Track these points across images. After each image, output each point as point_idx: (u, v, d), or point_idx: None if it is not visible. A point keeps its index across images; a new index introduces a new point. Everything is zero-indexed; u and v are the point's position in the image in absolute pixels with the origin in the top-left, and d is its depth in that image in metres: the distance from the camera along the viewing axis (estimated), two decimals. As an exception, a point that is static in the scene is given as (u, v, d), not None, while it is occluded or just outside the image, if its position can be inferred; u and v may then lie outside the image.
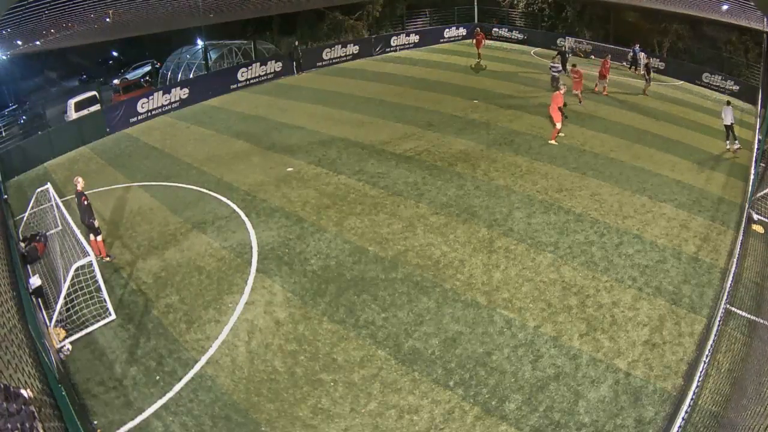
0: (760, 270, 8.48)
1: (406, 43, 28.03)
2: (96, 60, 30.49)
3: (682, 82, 22.16)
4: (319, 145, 14.01)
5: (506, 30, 30.07)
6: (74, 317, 7.48)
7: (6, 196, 11.96)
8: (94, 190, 12.30)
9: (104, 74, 28.44)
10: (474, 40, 24.41)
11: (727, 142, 13.90)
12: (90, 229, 8.95)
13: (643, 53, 22.89)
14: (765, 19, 16.09)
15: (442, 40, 29.58)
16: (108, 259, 9.17)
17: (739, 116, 17.72)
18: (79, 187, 8.87)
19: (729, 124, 13.71)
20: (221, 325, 7.38)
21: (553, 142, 13.53)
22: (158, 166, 13.48)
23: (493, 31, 30.34)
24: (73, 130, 16.07)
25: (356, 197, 10.95)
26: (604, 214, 9.97)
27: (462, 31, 30.39)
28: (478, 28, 26.50)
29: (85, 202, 8.81)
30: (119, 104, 18.02)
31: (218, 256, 9.12)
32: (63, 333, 7.19)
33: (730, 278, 7.56)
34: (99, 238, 9.08)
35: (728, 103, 14.23)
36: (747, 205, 10.08)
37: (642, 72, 20.02)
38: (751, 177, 11.38)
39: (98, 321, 7.50)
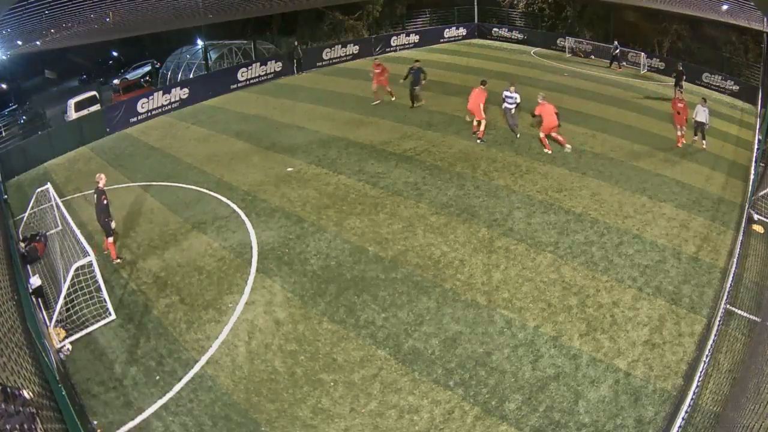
0: (760, 270, 8.48)
1: (406, 43, 28.05)
2: (96, 60, 30.48)
3: (682, 82, 22.15)
4: (319, 145, 14.01)
5: (506, 30, 30.09)
6: (74, 317, 7.48)
7: (6, 196, 11.96)
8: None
9: (104, 74, 28.45)
10: (372, 73, 17.34)
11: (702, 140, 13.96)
12: (105, 228, 8.84)
13: (619, 49, 23.45)
14: (765, 19, 16.08)
15: (442, 40, 29.60)
16: (118, 261, 9.09)
17: (739, 116, 17.80)
18: (101, 185, 8.73)
19: (702, 121, 13.75)
20: (221, 325, 7.38)
21: (568, 146, 12.97)
22: (158, 166, 13.48)
23: (493, 31, 30.37)
24: (73, 130, 16.06)
25: (356, 197, 10.95)
26: (604, 214, 9.97)
27: (462, 31, 30.41)
28: (376, 59, 20.01)
29: (105, 201, 8.66)
30: (119, 104, 18.03)
31: (218, 256, 9.12)
32: (63, 333, 7.19)
33: (730, 278, 7.55)
34: (110, 239, 8.98)
35: (704, 100, 14.27)
36: (747, 205, 10.08)
37: (675, 80, 19.15)
38: (751, 177, 11.38)
39: (98, 321, 7.50)
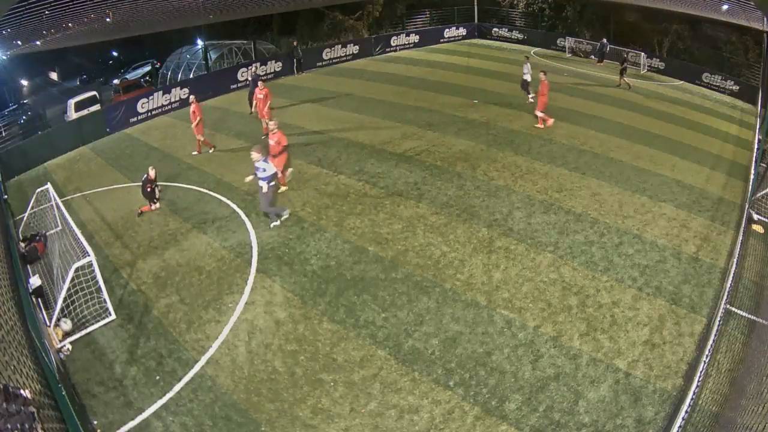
0: (760, 270, 8.48)
1: (406, 43, 28.06)
2: (96, 60, 30.54)
3: (682, 82, 22.19)
4: (319, 145, 14.01)
5: (506, 30, 30.10)
6: (74, 317, 7.48)
7: (6, 196, 11.96)
8: (94, 190, 12.32)
9: (104, 74, 28.50)
10: (255, 99, 14.55)
11: (530, 95, 16.66)
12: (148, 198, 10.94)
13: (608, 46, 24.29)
14: (765, 19, 16.09)
15: (442, 40, 29.61)
16: (140, 213, 10.82)
17: (739, 116, 17.82)
18: (152, 175, 10.86)
19: (528, 80, 16.75)
20: (221, 325, 7.38)
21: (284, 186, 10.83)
22: (158, 166, 13.41)
23: (493, 31, 30.38)
24: (73, 130, 16.08)
25: (356, 197, 10.95)
26: (604, 214, 9.97)
27: (462, 31, 30.42)
28: (260, 83, 14.73)
29: (149, 189, 10.80)
30: (119, 104, 18.03)
31: (218, 256, 9.12)
32: (63, 333, 7.19)
33: (730, 278, 7.56)
34: (148, 206, 10.90)
35: (527, 58, 17.72)
36: (747, 205, 10.08)
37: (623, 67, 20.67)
38: (751, 177, 11.40)
39: (98, 321, 7.50)
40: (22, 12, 9.39)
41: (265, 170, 9.22)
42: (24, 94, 25.02)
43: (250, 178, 9.64)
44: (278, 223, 9.82)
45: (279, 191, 10.50)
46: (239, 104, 18.98)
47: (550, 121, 14.69)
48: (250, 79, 17.32)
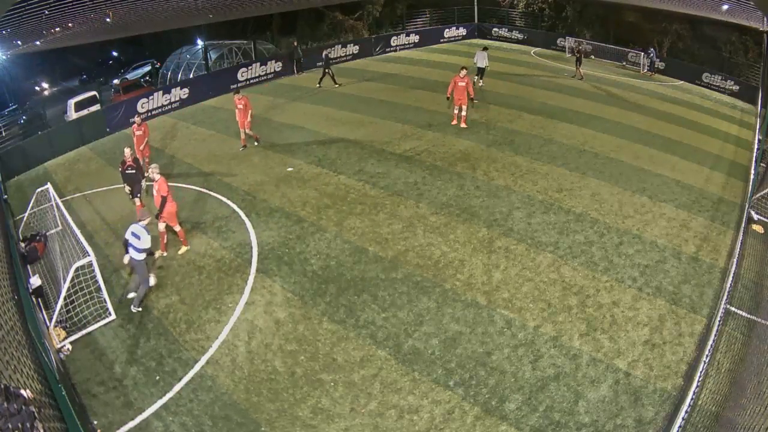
0: (760, 270, 8.48)
1: (406, 43, 28.04)
2: (96, 60, 30.52)
3: (682, 82, 22.20)
4: (319, 145, 14.01)
5: (506, 30, 30.10)
6: (74, 317, 7.48)
7: (6, 196, 11.96)
8: (94, 190, 12.31)
9: (104, 74, 28.47)
10: (237, 111, 13.58)
11: (480, 80, 18.81)
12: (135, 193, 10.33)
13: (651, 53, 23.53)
14: (765, 19, 16.10)
15: (442, 40, 29.60)
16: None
17: (739, 116, 17.82)
18: (126, 154, 10.15)
19: (483, 66, 18.58)
20: (221, 325, 7.38)
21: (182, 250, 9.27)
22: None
23: (493, 31, 30.38)
24: (73, 130, 16.06)
25: (356, 197, 10.95)
26: (604, 214, 9.97)
27: (462, 31, 30.41)
28: (235, 96, 13.89)
29: (132, 170, 10.20)
30: (119, 104, 18.02)
31: (218, 256, 9.12)
32: (63, 333, 7.19)
33: (730, 278, 7.56)
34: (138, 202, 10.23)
35: (484, 48, 18.94)
36: (747, 205, 10.09)
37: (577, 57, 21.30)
38: (751, 177, 11.40)
39: (98, 321, 7.50)
40: (22, 12, 9.38)
41: (137, 237, 7.45)
42: (41, 99, 24.88)
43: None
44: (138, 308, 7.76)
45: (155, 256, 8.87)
46: (239, 104, 18.98)
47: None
48: (323, 56, 20.95)
